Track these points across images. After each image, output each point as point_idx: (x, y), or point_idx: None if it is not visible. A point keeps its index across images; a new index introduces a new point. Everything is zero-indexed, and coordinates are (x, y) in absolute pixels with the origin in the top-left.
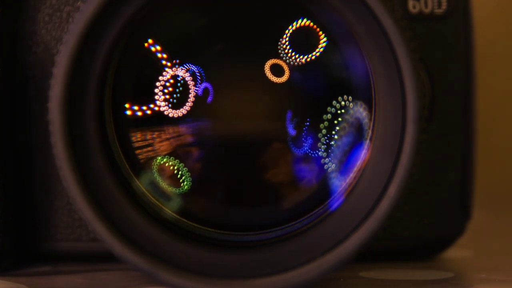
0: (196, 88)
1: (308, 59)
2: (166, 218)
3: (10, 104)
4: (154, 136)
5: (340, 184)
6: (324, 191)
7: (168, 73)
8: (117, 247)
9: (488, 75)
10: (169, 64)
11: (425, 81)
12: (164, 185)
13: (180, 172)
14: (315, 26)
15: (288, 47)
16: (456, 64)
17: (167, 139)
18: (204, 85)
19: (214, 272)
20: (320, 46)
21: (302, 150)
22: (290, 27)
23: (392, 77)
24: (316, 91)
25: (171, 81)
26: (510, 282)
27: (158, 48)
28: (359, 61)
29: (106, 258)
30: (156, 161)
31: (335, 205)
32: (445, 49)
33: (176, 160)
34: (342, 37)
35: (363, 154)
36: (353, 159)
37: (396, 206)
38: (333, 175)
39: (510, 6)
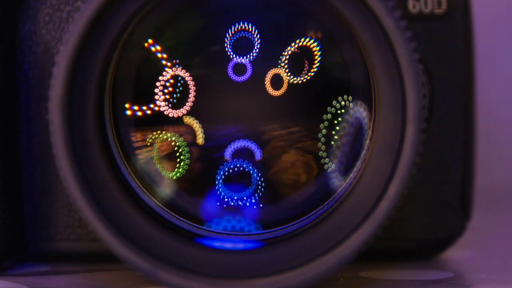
0: None
1: (304, 79)
2: (166, 218)
3: (10, 104)
4: (154, 136)
5: (340, 184)
6: (324, 191)
7: (168, 73)
8: (117, 247)
9: (488, 75)
10: (169, 64)
11: (425, 81)
12: (161, 170)
13: (179, 153)
14: (312, 47)
15: (287, 65)
16: (456, 64)
17: (167, 139)
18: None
19: (214, 272)
20: (314, 66)
21: (300, 149)
22: (289, 48)
23: (392, 77)
24: (316, 91)
25: (171, 81)
26: (510, 282)
27: (158, 48)
28: (359, 61)
29: (106, 258)
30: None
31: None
32: (445, 49)
33: (181, 138)
34: (342, 37)
35: (363, 154)
36: (353, 159)
37: (396, 206)
38: (333, 175)
39: (510, 6)
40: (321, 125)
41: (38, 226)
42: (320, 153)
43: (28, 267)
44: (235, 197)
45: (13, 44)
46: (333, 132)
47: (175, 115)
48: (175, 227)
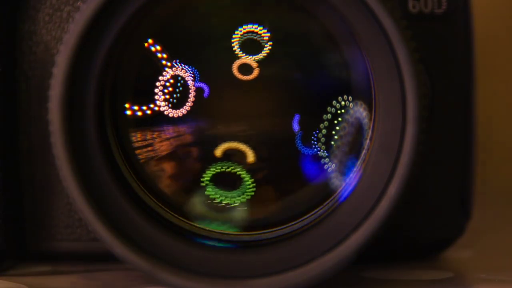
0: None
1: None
2: (166, 218)
3: (10, 104)
4: (154, 136)
5: (340, 184)
6: (324, 191)
7: (168, 73)
8: (117, 247)
9: (488, 75)
10: (169, 64)
11: (425, 81)
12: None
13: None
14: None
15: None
16: (456, 64)
17: (167, 139)
18: (199, 84)
19: (214, 272)
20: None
21: (303, 149)
22: (237, 31)
23: (392, 77)
24: (316, 91)
25: (171, 81)
26: (510, 282)
27: (158, 48)
28: (359, 61)
29: (106, 258)
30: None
31: (337, 203)
32: (445, 49)
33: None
34: (342, 37)
35: (363, 154)
36: (353, 159)
37: (396, 206)
38: (333, 175)
39: (510, 6)
40: (321, 125)
41: (38, 226)
42: (320, 153)
43: (28, 267)
44: (228, 197)
45: (13, 44)
46: (333, 132)
47: (175, 115)
48: (175, 227)
